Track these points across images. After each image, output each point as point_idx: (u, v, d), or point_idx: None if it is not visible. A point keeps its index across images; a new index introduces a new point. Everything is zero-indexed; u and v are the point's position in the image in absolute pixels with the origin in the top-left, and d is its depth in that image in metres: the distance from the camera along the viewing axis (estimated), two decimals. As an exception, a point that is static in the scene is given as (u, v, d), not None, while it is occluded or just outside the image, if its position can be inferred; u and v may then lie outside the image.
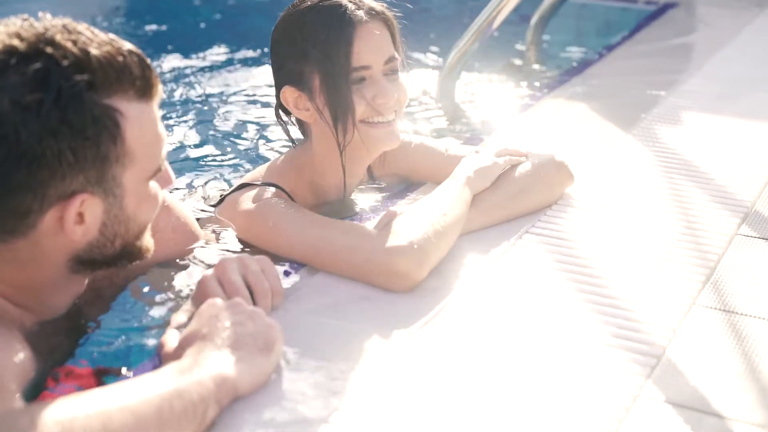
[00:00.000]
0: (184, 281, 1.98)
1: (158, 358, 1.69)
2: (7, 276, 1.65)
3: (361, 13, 2.14)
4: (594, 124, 3.07)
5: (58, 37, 1.53)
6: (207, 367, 1.53)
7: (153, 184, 1.69)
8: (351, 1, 2.14)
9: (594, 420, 1.57)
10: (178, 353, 1.61)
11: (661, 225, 2.31)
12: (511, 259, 2.13)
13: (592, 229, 2.28)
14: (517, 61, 4.10)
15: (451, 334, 1.82)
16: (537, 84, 3.75)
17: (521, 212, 2.30)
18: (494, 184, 2.24)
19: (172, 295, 1.94)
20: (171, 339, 1.68)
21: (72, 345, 1.79)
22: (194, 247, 2.07)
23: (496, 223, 2.25)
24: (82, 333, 1.82)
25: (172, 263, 2.02)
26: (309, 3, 2.16)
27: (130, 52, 1.59)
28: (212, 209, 2.26)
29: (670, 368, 1.73)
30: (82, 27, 1.57)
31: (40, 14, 1.57)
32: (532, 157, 2.34)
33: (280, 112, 2.27)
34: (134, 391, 1.44)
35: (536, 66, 4.08)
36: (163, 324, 1.84)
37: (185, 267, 2.02)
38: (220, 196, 2.25)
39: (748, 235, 2.27)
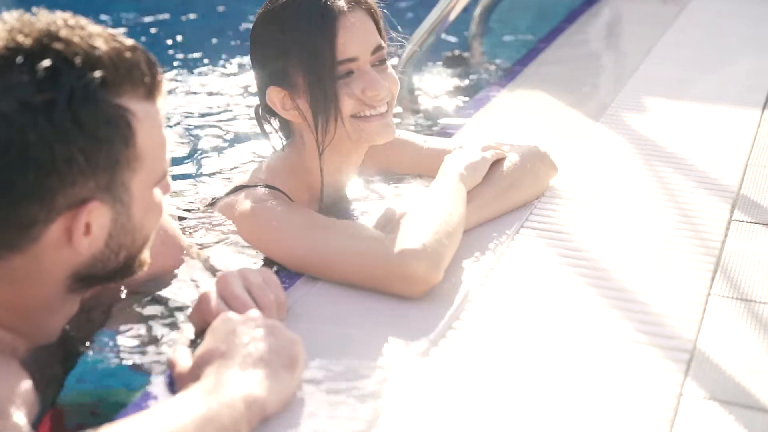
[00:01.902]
0: (178, 299, 1.84)
1: (170, 377, 1.57)
2: (0, 297, 1.49)
3: (342, 2, 2.02)
4: (560, 114, 3.01)
5: (64, 33, 1.38)
6: (233, 387, 1.41)
7: (157, 191, 1.56)
8: None
9: (643, 423, 1.50)
10: (195, 372, 1.49)
11: (655, 214, 2.25)
12: (514, 256, 2.04)
13: (587, 220, 2.21)
14: (463, 53, 4.01)
15: (474, 339, 1.73)
16: (488, 75, 3.68)
17: (512, 206, 2.22)
18: (485, 180, 2.16)
19: (166, 315, 1.80)
20: (182, 357, 1.55)
21: (65, 378, 1.64)
22: (182, 261, 1.93)
23: (489, 220, 2.17)
24: (76, 361, 1.66)
25: (161, 280, 1.88)
26: None
27: (135, 47, 1.46)
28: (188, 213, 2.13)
29: (706, 363, 1.67)
30: (83, 21, 1.43)
31: (34, 9, 1.42)
32: (515, 150, 2.27)
33: (265, 114, 2.15)
34: (166, 420, 1.31)
35: (482, 57, 4.01)
36: (161, 345, 1.71)
37: (176, 283, 1.88)
38: (211, 199, 2.11)
39: (743, 221, 2.23)
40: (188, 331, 1.70)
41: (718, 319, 1.81)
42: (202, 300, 1.70)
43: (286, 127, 2.15)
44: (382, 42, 2.08)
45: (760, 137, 2.79)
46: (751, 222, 2.22)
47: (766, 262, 2.04)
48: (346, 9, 2.02)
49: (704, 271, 1.98)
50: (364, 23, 2.04)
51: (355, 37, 2.02)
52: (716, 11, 4.33)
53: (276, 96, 2.06)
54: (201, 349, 1.52)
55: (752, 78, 3.36)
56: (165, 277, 1.88)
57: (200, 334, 1.68)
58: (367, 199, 2.25)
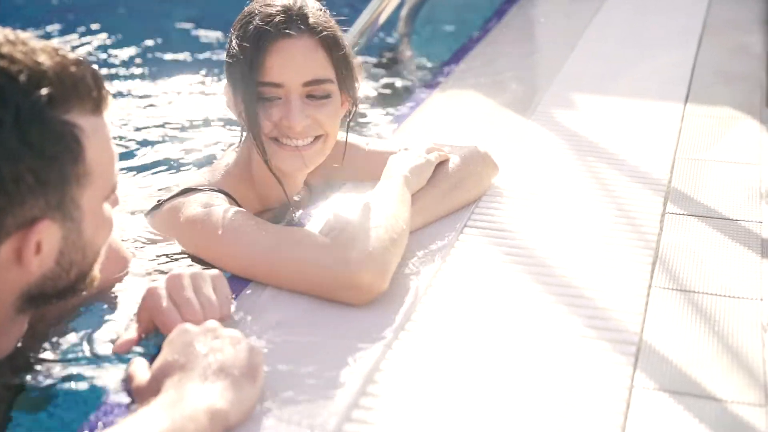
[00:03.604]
0: (122, 310, 1.83)
1: (127, 391, 1.56)
2: None
3: (289, 26, 2.00)
4: (492, 112, 3.05)
5: (6, 49, 1.36)
6: (195, 400, 1.41)
7: (106, 206, 1.54)
8: (289, 12, 2.01)
9: (598, 417, 1.54)
10: (153, 386, 1.47)
11: (592, 209, 2.30)
12: (459, 255, 2.07)
13: (528, 218, 2.25)
14: (391, 54, 4.04)
15: (426, 340, 1.75)
16: (418, 76, 3.71)
17: (456, 207, 2.25)
18: (428, 182, 2.18)
19: (113, 327, 1.78)
20: (140, 370, 1.54)
21: (13, 396, 1.62)
22: (126, 273, 1.91)
23: (433, 221, 2.19)
24: (23, 381, 1.64)
25: (106, 293, 1.86)
26: (259, 3, 2.04)
27: (79, 61, 1.44)
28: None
29: (652, 354, 1.72)
30: (25, 35, 1.41)
31: None
32: (456, 151, 2.30)
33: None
34: None
35: (411, 58, 4.04)
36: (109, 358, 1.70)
37: (118, 295, 1.87)
38: (157, 201, 2.08)
39: (676, 213, 2.29)
40: (131, 331, 1.68)
41: (661, 311, 1.86)
42: (150, 296, 1.68)
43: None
44: (329, 76, 2.04)
45: (685, 130, 2.87)
46: (683, 214, 2.29)
47: (701, 253, 2.10)
48: (289, 34, 1.99)
49: (644, 264, 2.04)
50: (304, 52, 2.01)
51: (285, 64, 2.00)
52: (634, 4, 4.42)
53: (229, 92, 2.09)
54: (159, 361, 1.51)
55: (673, 71, 3.45)
56: (109, 290, 1.87)
57: (146, 330, 1.68)
58: (313, 204, 2.25)
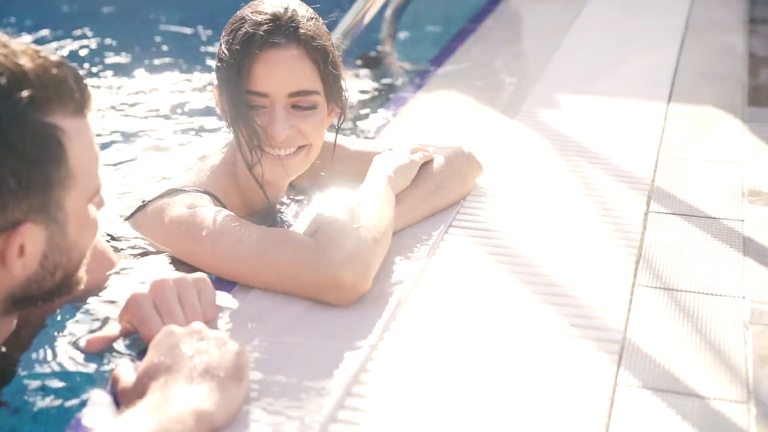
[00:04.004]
0: (108, 313, 1.82)
1: (113, 393, 1.55)
2: None
3: (277, 36, 1.98)
4: (477, 113, 3.07)
5: None
6: (181, 401, 1.41)
7: (91, 208, 1.55)
8: (278, 21, 1.99)
9: (583, 414, 1.55)
10: (139, 388, 1.48)
11: (576, 208, 2.32)
12: (444, 255, 2.08)
13: (513, 217, 2.26)
14: (375, 55, 4.05)
15: (413, 341, 1.76)
16: (402, 76, 3.72)
17: (440, 208, 2.26)
18: (413, 182, 2.18)
19: (96, 329, 1.78)
20: (125, 372, 1.54)
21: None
22: (110, 275, 1.91)
23: (417, 221, 2.20)
24: (8, 379, 1.63)
25: (91, 294, 1.85)
26: (250, 9, 2.03)
27: (61, 63, 1.44)
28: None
29: (636, 352, 1.73)
30: (4, 37, 1.41)
31: None
32: (441, 151, 2.30)
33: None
34: None
35: (395, 58, 4.05)
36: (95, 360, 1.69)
37: (105, 297, 1.86)
38: (142, 201, 2.07)
39: (659, 212, 2.31)
40: (112, 327, 1.69)
41: (645, 309, 1.88)
42: (133, 302, 1.68)
43: None
44: (315, 88, 2.02)
45: (668, 130, 2.89)
46: (666, 213, 2.31)
47: (684, 251, 2.12)
48: (276, 43, 1.98)
49: (628, 263, 2.05)
50: (289, 63, 1.99)
51: (270, 75, 1.98)
52: (618, 4, 4.44)
53: (217, 95, 2.09)
54: (144, 363, 1.52)
55: (656, 71, 3.47)
56: (96, 292, 1.86)
57: (123, 333, 1.69)
58: (297, 205, 2.26)
